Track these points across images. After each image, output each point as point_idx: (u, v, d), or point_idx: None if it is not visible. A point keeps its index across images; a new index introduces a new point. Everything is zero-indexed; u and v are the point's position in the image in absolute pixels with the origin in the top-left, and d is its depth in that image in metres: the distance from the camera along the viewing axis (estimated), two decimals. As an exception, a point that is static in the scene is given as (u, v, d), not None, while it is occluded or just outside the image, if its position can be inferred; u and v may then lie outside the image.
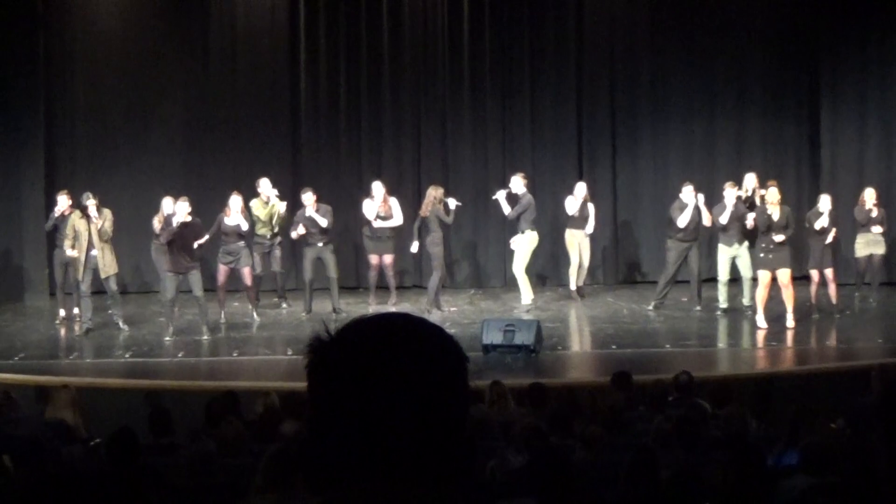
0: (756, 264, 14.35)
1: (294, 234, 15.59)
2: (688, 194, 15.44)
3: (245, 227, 15.17)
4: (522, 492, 5.71)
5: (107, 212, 14.72)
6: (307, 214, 15.51)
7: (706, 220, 15.40)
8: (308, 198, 15.59)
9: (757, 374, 11.90)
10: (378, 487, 1.59)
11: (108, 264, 14.55)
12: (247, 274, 15.28)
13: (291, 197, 17.23)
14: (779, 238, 13.92)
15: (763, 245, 14.06)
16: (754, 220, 14.28)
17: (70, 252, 14.60)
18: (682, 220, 15.37)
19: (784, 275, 14.01)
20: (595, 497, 6.22)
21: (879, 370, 9.33)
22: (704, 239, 17.08)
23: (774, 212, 13.97)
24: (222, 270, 15.23)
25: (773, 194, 14.17)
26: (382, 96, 18.63)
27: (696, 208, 15.40)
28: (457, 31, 18.62)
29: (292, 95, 18.64)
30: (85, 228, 14.43)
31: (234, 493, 6.02)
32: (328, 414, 1.62)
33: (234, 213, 15.11)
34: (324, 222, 15.48)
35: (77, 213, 14.61)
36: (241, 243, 15.22)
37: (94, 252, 14.47)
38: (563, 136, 18.63)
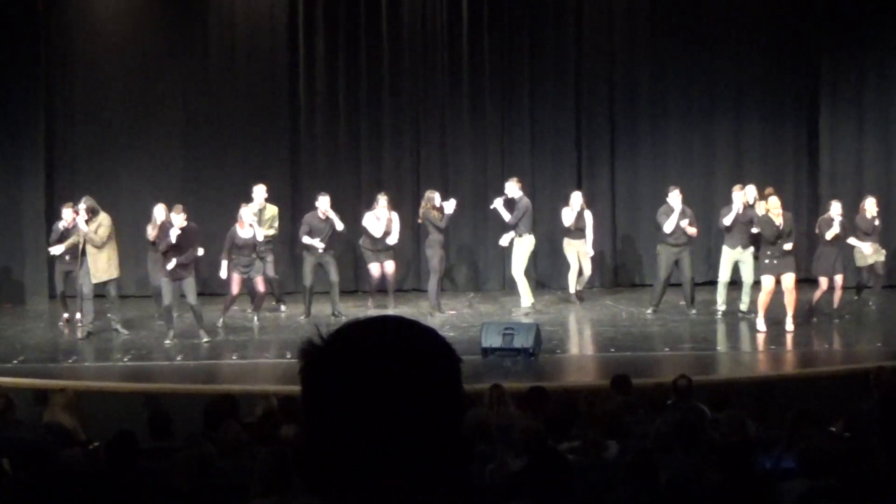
0: (761, 270, 14.33)
1: (307, 239, 15.54)
2: (674, 198, 15.45)
3: (260, 237, 15.15)
4: (521, 495, 5.71)
5: (103, 216, 14.69)
6: (323, 216, 15.49)
7: (691, 231, 15.40)
8: (325, 201, 15.59)
9: (756, 378, 11.90)
10: (375, 490, 1.59)
11: (100, 269, 14.51)
12: (259, 282, 15.28)
13: (291, 203, 17.25)
14: (788, 246, 13.93)
15: (769, 252, 14.04)
16: (760, 230, 14.29)
17: (56, 248, 14.65)
18: (669, 226, 15.41)
19: (788, 279, 14.01)
20: (594, 500, 6.22)
21: (878, 373, 9.33)
22: (703, 243, 17.09)
23: (779, 222, 13.95)
24: (236, 280, 15.16)
25: (774, 203, 14.15)
26: (382, 101, 18.64)
27: (683, 213, 15.40)
28: (456, 37, 18.64)
29: (291, 101, 18.65)
30: (82, 233, 14.47)
31: (234, 496, 6.02)
32: (323, 417, 1.62)
33: (247, 225, 15.08)
34: (340, 225, 15.54)
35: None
36: (254, 255, 15.19)
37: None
38: (562, 141, 18.65)
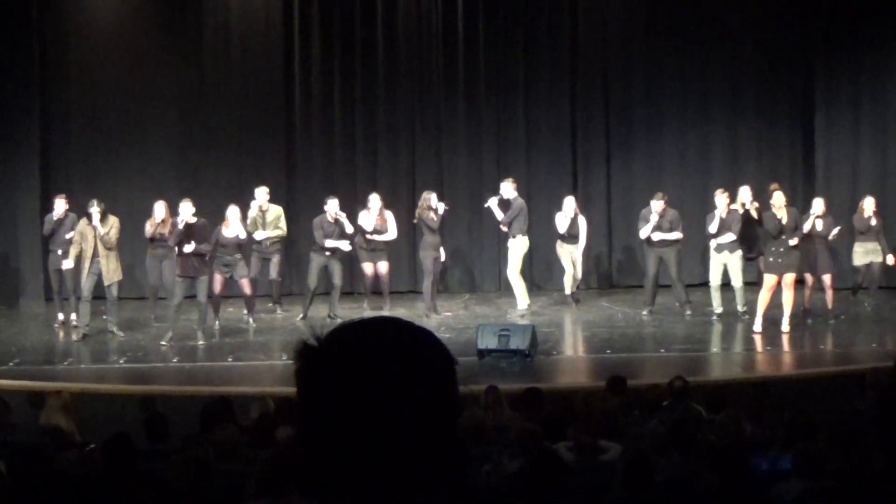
0: (765, 268, 14.34)
1: (332, 242, 15.53)
2: (654, 206, 15.46)
3: (243, 235, 15.15)
4: (517, 496, 5.71)
5: (113, 219, 14.72)
6: (332, 219, 15.50)
7: (671, 237, 15.41)
8: (334, 204, 15.60)
9: (752, 379, 11.90)
10: (370, 492, 1.59)
11: (111, 271, 14.57)
12: (245, 284, 15.27)
13: (286, 204, 17.23)
14: (793, 242, 13.96)
15: (773, 249, 14.05)
16: (764, 225, 14.31)
17: (65, 263, 14.64)
18: (643, 233, 15.51)
19: (789, 277, 14.02)
20: (590, 502, 6.22)
21: (874, 374, 9.33)
22: (697, 245, 17.08)
23: (782, 215, 13.97)
24: (218, 280, 15.14)
25: (778, 198, 14.16)
26: (377, 103, 18.65)
27: (662, 220, 15.41)
28: (451, 39, 18.64)
29: (287, 102, 18.66)
30: (91, 235, 14.46)
31: (230, 499, 6.02)
32: (318, 418, 1.63)
33: (232, 225, 15.08)
34: (350, 227, 15.58)
35: (84, 219, 14.62)
36: (238, 255, 15.19)
37: (98, 259, 14.51)
38: (558, 142, 18.66)
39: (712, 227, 15.10)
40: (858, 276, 16.07)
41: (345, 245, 15.59)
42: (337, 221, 15.56)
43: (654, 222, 15.41)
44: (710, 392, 9.58)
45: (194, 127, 18.49)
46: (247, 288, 15.31)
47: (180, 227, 14.14)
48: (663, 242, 15.47)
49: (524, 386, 9.96)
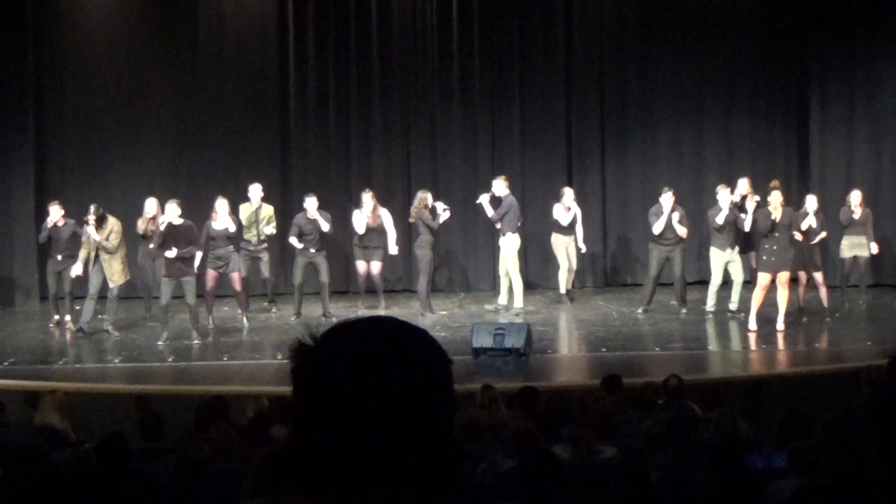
0: (759, 266, 14.35)
1: (294, 241, 15.54)
2: (665, 200, 15.47)
3: (232, 229, 15.11)
4: (512, 495, 5.72)
5: (112, 222, 14.72)
6: (311, 217, 15.48)
7: (680, 231, 15.42)
8: (312, 202, 15.58)
9: (747, 377, 11.91)
10: (366, 491, 1.59)
11: (115, 274, 14.60)
12: (236, 279, 15.24)
13: (281, 202, 17.23)
14: (798, 236, 14.06)
15: (767, 247, 14.06)
16: (756, 221, 14.31)
17: (74, 269, 14.62)
18: (657, 227, 15.46)
19: (783, 276, 14.04)
20: (585, 500, 6.22)
21: (868, 372, 9.33)
22: (694, 242, 17.10)
23: (777, 215, 13.99)
24: (211, 275, 15.11)
25: (775, 197, 14.16)
26: (371, 101, 18.65)
27: (674, 214, 15.42)
28: (446, 38, 18.64)
29: (281, 101, 18.65)
30: (93, 242, 14.52)
31: (225, 498, 6.02)
32: (314, 417, 1.63)
33: (220, 217, 15.05)
34: (326, 226, 15.53)
35: (86, 225, 14.65)
36: (230, 247, 15.16)
37: (100, 262, 14.55)
38: (552, 141, 18.66)
39: (719, 219, 15.09)
40: (845, 268, 16.05)
41: (295, 241, 15.49)
42: (315, 220, 15.49)
43: (668, 212, 15.40)
44: (705, 390, 9.58)
45: (189, 127, 18.48)
46: (237, 283, 15.27)
47: (161, 228, 14.09)
48: (670, 241, 15.45)
49: (519, 385, 9.95)
